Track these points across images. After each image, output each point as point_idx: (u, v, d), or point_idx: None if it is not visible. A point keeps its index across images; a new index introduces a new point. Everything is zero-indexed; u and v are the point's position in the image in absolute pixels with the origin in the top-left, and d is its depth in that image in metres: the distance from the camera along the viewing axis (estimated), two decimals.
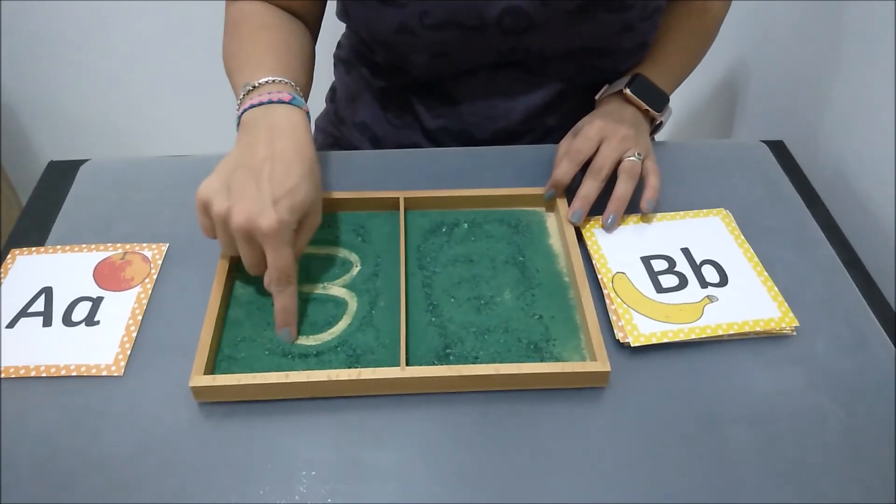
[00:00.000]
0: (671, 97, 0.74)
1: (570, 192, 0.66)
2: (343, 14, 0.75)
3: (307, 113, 0.60)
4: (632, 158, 0.64)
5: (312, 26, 0.75)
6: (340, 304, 0.59)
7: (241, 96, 0.59)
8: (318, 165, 0.57)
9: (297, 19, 0.72)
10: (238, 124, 0.58)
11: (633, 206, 0.65)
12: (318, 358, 0.55)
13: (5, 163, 1.49)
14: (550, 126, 0.79)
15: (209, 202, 0.52)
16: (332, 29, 0.82)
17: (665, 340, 0.56)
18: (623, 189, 0.64)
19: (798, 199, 0.72)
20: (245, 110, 0.58)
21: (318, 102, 0.94)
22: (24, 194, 1.52)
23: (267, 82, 0.59)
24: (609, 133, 0.65)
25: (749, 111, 1.16)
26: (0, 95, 1.46)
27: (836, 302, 0.61)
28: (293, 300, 0.55)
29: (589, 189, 0.64)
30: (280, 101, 0.57)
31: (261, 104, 0.57)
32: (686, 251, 0.64)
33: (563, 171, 0.65)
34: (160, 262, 0.62)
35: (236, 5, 0.70)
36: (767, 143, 0.79)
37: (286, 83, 0.60)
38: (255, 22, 0.68)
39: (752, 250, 0.64)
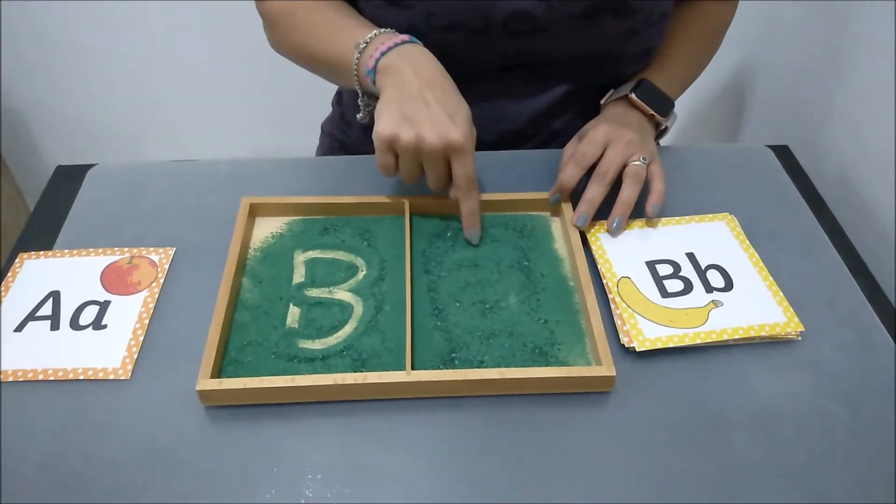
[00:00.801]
0: (676, 102, 0.74)
1: (575, 196, 0.66)
2: None
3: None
4: (637, 163, 0.65)
5: None
6: (346, 309, 0.60)
7: (359, 54, 0.63)
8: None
9: None
10: (374, 73, 0.62)
11: (638, 211, 0.65)
12: (323, 362, 0.55)
13: (13, 167, 1.49)
14: (556, 129, 0.79)
15: (395, 137, 0.58)
16: None
17: (670, 345, 0.56)
18: (628, 193, 0.64)
19: (803, 204, 0.72)
20: (378, 59, 0.62)
21: (324, 106, 0.94)
22: (31, 199, 1.52)
23: (377, 34, 0.63)
24: (614, 137, 0.66)
25: (754, 116, 1.16)
26: (6, 100, 1.47)
27: (841, 306, 0.61)
28: (478, 203, 0.63)
29: (594, 193, 0.64)
30: (404, 42, 0.62)
31: (389, 49, 0.62)
32: (691, 256, 0.64)
33: (569, 175, 0.65)
34: (167, 266, 0.63)
35: (271, 4, 0.72)
36: (772, 147, 0.79)
37: (392, 32, 0.64)
38: (311, 4, 0.70)
39: (757, 255, 0.64)
